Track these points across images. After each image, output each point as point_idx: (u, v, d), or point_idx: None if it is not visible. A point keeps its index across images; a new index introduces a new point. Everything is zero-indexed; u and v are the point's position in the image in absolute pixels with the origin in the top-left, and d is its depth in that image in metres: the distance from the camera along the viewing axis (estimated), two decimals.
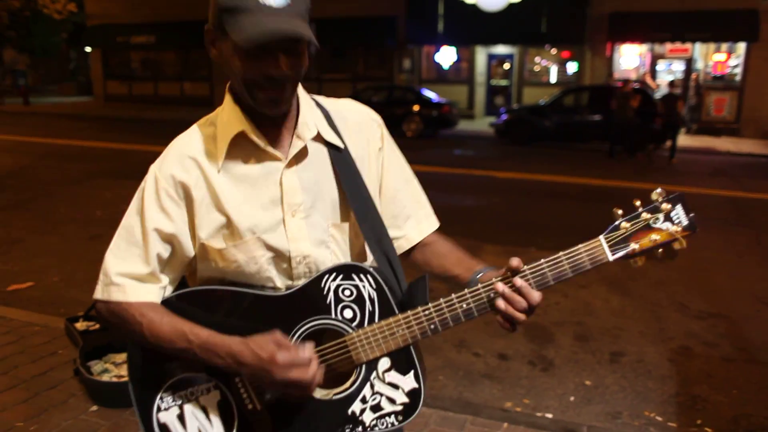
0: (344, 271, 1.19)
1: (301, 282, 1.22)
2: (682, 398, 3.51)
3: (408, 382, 1.21)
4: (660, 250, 1.17)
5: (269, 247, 1.22)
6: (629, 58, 19.17)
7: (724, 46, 17.96)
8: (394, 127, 16.14)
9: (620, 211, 1.19)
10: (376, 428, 1.22)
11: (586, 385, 3.63)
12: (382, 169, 1.34)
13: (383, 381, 1.21)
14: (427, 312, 1.18)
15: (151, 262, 1.20)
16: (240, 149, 1.21)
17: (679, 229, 1.18)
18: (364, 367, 1.20)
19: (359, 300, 1.18)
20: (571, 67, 19.87)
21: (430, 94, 17.26)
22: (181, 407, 1.25)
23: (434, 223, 1.42)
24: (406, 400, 1.21)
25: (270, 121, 1.21)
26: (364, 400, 1.21)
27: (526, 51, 20.42)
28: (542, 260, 1.16)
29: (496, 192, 9.35)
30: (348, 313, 1.19)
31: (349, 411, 1.21)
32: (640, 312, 4.70)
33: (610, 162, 12.95)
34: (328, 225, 1.26)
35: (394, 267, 1.28)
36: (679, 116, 13.29)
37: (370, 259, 1.32)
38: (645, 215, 1.17)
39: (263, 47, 1.09)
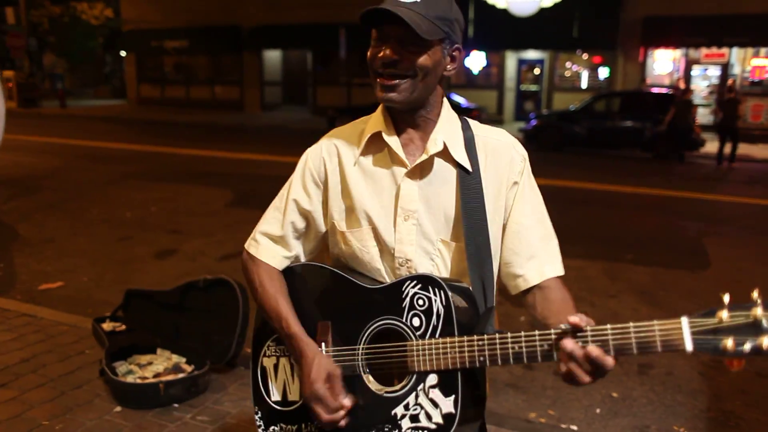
0: (423, 281, 1.24)
1: (403, 275, 1.31)
2: (713, 414, 3.40)
3: (447, 404, 1.22)
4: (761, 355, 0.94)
5: (379, 241, 1.34)
6: (663, 63, 18.83)
7: (763, 50, 17.51)
8: None
9: (727, 298, 0.98)
10: None
11: (613, 397, 3.54)
12: (513, 203, 1.37)
13: (427, 395, 1.24)
14: (480, 342, 1.18)
15: (285, 227, 1.41)
16: (376, 147, 1.36)
17: None
18: (415, 375, 1.25)
19: (428, 312, 1.23)
20: (603, 73, 19.59)
21: (459, 99, 17.19)
22: (278, 359, 1.44)
23: (558, 270, 1.38)
24: (440, 421, 1.22)
25: (407, 126, 1.33)
26: (406, 407, 1.25)
27: (556, 56, 20.21)
28: (608, 325, 1.06)
29: None
30: (416, 321, 1.24)
31: (392, 412, 1.26)
32: None
33: (643, 169, 12.70)
34: (437, 239, 1.34)
35: (486, 294, 1.31)
36: (738, 121, 13.23)
37: (467, 282, 1.33)
38: (757, 311, 0.94)
39: (382, 34, 1.25)
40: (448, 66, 1.31)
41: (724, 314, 0.95)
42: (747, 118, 17.32)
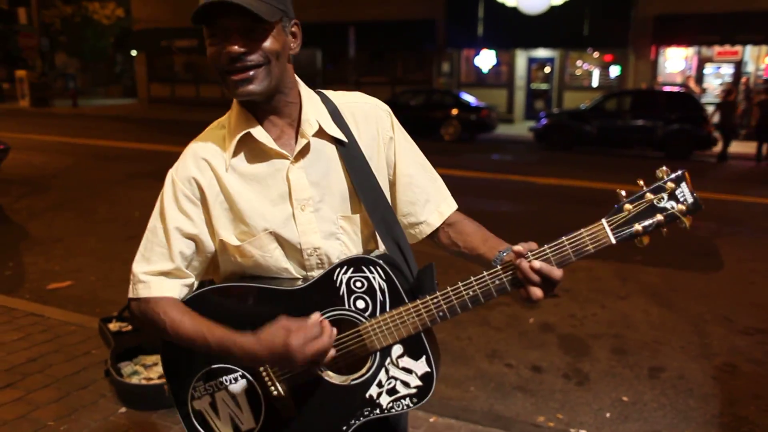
0: (354, 264, 1.24)
1: (315, 273, 1.30)
2: (726, 419, 3.34)
3: (420, 366, 1.26)
4: (664, 229, 1.17)
5: (281, 241, 1.29)
6: (675, 61, 18.67)
7: None
8: (431, 130, 16.10)
9: (623, 192, 1.18)
10: (393, 410, 1.28)
11: (623, 401, 3.49)
12: (395, 157, 1.38)
13: (397, 366, 1.27)
14: (435, 300, 1.22)
15: (175, 259, 1.28)
16: (248, 149, 1.28)
17: (684, 207, 1.16)
18: (378, 354, 1.26)
19: (370, 291, 1.23)
20: (614, 71, 19.44)
21: (468, 97, 17.10)
22: (212, 396, 1.35)
23: (453, 205, 1.44)
24: (419, 383, 1.27)
25: (271, 118, 1.28)
26: (380, 385, 1.27)
27: (567, 54, 20.08)
28: (545, 246, 1.18)
29: (533, 198, 9.18)
30: (360, 304, 1.24)
31: (367, 395, 1.28)
32: (682, 325, 4.52)
33: (654, 168, 12.55)
34: (337, 217, 1.31)
35: (405, 254, 1.34)
36: (734, 123, 13.74)
37: (381, 248, 1.36)
38: (649, 195, 1.16)
39: (219, 29, 1.17)
40: (292, 44, 1.26)
41: (629, 206, 1.17)
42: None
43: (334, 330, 1.22)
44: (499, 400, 3.47)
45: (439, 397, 3.44)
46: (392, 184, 1.40)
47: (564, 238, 1.17)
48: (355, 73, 21.13)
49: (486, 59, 20.94)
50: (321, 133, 1.30)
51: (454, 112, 16.14)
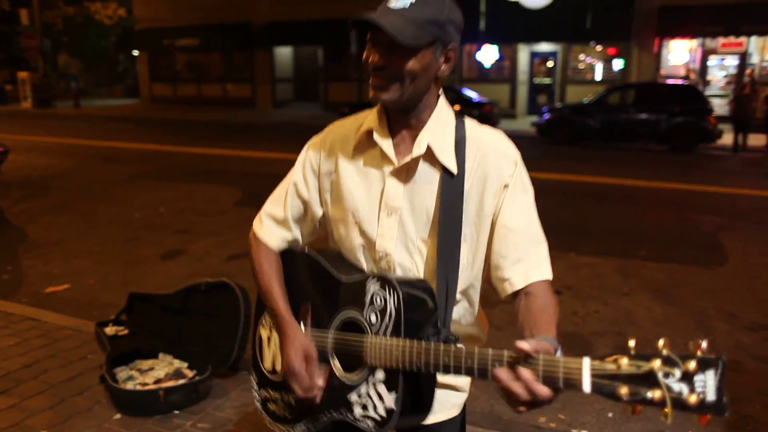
0: (382, 280, 1.30)
1: (370, 273, 1.38)
2: (731, 417, 3.28)
3: (389, 400, 1.29)
4: (666, 410, 0.94)
5: (362, 233, 1.40)
6: (678, 54, 18.52)
7: None
8: None
9: (632, 343, 0.96)
10: (360, 423, 1.34)
11: None
12: (502, 206, 1.36)
13: (375, 388, 1.31)
14: (418, 349, 1.23)
15: (287, 212, 1.50)
16: (370, 143, 1.40)
17: (695, 401, 0.91)
18: (368, 368, 1.32)
19: (383, 311, 1.29)
20: (617, 64, 19.31)
21: (471, 93, 17.02)
22: (271, 331, 1.54)
23: (544, 274, 1.35)
24: (383, 414, 1.30)
25: (400, 125, 1.37)
26: (359, 395, 1.34)
27: (570, 48, 19.95)
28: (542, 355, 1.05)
29: (536, 193, 9.05)
30: (373, 318, 1.30)
31: (348, 397, 1.35)
32: (686, 322, 4.46)
33: (658, 162, 12.49)
34: (417, 237, 1.37)
35: (449, 298, 1.34)
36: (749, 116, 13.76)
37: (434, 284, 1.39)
38: (655, 362, 0.93)
39: (372, 38, 1.28)
40: (442, 67, 1.32)
41: (624, 361, 0.95)
42: (766, 108, 16.93)
43: (320, 394, 1.38)
44: (499, 400, 3.42)
45: None
46: (491, 233, 1.37)
47: (542, 356, 1.03)
48: (356, 70, 21.05)
49: (488, 54, 20.82)
50: (431, 157, 1.35)
51: (457, 108, 15.62)
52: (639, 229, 7.12)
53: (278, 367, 1.51)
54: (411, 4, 1.24)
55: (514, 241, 1.35)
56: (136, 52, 27.64)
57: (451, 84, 19.66)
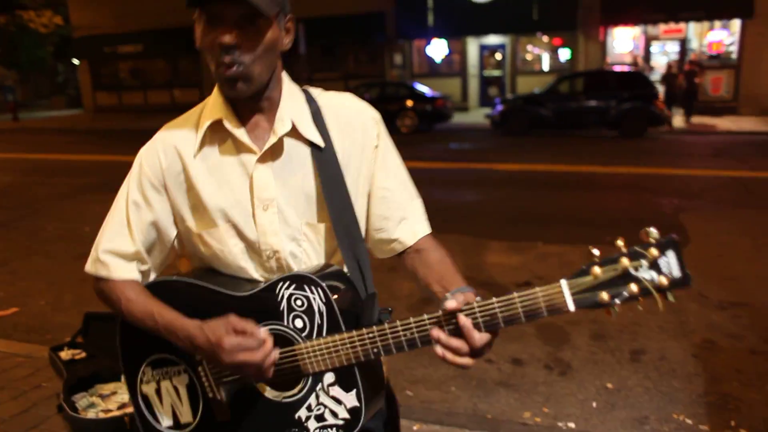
0: (297, 281, 1.17)
1: (274, 277, 1.22)
2: (712, 397, 3.28)
3: (350, 399, 1.21)
4: (638, 303, 1.00)
5: (241, 237, 1.25)
6: (623, 41, 18.95)
7: (718, 24, 17.71)
8: (387, 123, 15.28)
9: (596, 251, 1.01)
10: None
11: (607, 388, 3.40)
12: (375, 168, 1.31)
13: (327, 394, 1.21)
14: (371, 335, 1.13)
15: (136, 243, 1.27)
16: (218, 137, 1.23)
17: (666, 282, 0.97)
18: (310, 377, 1.21)
19: (309, 312, 1.17)
20: (564, 54, 19.63)
21: (423, 88, 17.00)
22: (158, 383, 1.34)
23: (427, 228, 1.36)
24: (347, 416, 1.21)
25: (250, 110, 1.22)
26: (309, 408, 1.22)
27: (517, 40, 20.19)
28: (494, 299, 1.05)
29: (496, 185, 9.12)
30: (299, 323, 1.18)
31: (296, 416, 1.23)
32: (657, 305, 4.47)
33: (611, 147, 12.72)
34: (301, 223, 1.25)
35: (364, 273, 1.27)
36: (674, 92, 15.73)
37: (340, 263, 1.31)
38: (624, 261, 0.98)
39: (213, 15, 1.11)
40: (285, 40, 1.22)
41: (597, 270, 0.99)
42: (707, 92, 17.51)
43: (276, 352, 1.15)
44: (482, 398, 3.33)
45: (421, 401, 3.29)
46: (369, 196, 1.31)
47: (516, 295, 1.03)
48: (306, 70, 20.77)
49: (437, 49, 20.88)
50: (295, 134, 1.23)
51: (410, 103, 16.01)
52: (602, 214, 7.18)
53: (184, 419, 1.32)
54: None
55: (395, 201, 1.31)
56: (76, 61, 26.67)
57: (402, 79, 19.63)
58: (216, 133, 1.23)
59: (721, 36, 17.66)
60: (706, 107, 17.09)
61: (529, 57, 20.60)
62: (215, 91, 1.26)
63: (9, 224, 7.59)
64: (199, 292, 1.25)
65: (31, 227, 7.39)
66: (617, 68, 16.81)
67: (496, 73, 20.89)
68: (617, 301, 0.99)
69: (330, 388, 1.21)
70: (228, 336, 1.12)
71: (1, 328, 4.33)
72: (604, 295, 0.99)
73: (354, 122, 1.29)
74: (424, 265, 1.28)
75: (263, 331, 1.15)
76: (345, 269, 1.27)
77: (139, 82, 25.25)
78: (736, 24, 17.21)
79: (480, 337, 1.05)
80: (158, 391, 1.34)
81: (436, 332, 1.07)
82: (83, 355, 3.47)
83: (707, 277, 4.97)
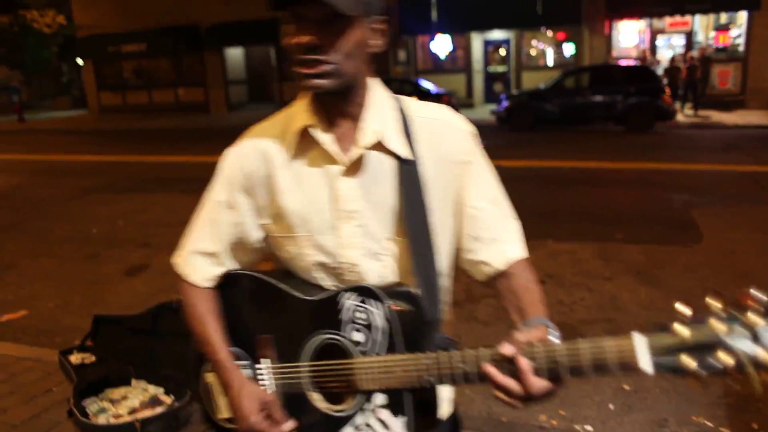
0: (362, 293, 1.14)
1: (343, 287, 1.21)
2: (731, 399, 3.22)
3: (397, 425, 1.15)
4: (729, 376, 0.85)
5: (319, 248, 1.22)
6: (628, 35, 18.82)
7: (724, 16, 17.57)
8: None
9: (687, 310, 0.88)
10: None
11: (624, 389, 3.35)
12: (466, 185, 1.24)
13: (375, 415, 1.16)
14: (427, 362, 1.08)
15: (218, 243, 1.28)
16: (305, 144, 1.21)
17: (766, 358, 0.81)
18: (362, 394, 1.16)
19: (369, 327, 1.14)
20: (569, 49, 19.51)
21: (427, 84, 16.95)
22: None
23: (521, 252, 1.28)
24: None
25: (337, 116, 1.19)
26: (355, 427, 1.18)
27: (522, 35, 20.08)
28: (558, 343, 0.98)
29: (503, 181, 8.96)
30: (358, 336, 1.15)
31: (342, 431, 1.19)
32: (672, 303, 4.32)
33: (618, 142, 12.63)
34: (383, 237, 1.22)
35: (435, 296, 1.20)
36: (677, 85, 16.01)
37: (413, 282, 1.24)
38: (716, 324, 0.84)
39: (297, 16, 1.10)
40: (375, 41, 1.17)
41: (681, 329, 0.86)
42: (715, 85, 17.38)
43: None
44: (496, 401, 3.28)
45: None
46: (458, 214, 1.25)
47: (580, 341, 0.94)
48: None
49: (441, 44, 20.79)
50: (381, 145, 1.19)
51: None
52: (611, 211, 7.12)
53: None
54: None
55: (486, 220, 1.25)
56: (80, 61, 26.68)
57: (407, 76, 19.56)
58: (304, 139, 1.21)
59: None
60: (714, 101, 16.96)
61: (533, 52, 20.48)
62: (304, 95, 1.24)
63: (16, 226, 7.57)
64: (267, 290, 1.26)
65: (38, 229, 7.37)
66: (623, 62, 16.70)
67: (500, 68, 20.78)
68: (703, 372, 0.85)
69: (379, 410, 1.16)
70: (257, 415, 1.20)
71: (11, 332, 4.31)
72: (689, 361, 0.85)
73: (445, 136, 1.23)
74: (510, 290, 1.24)
75: (290, 426, 1.20)
76: (416, 290, 1.21)
77: (143, 81, 25.23)
78: (742, 16, 17.05)
79: (538, 385, 0.99)
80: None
81: (489, 368, 1.02)
82: (93, 358, 3.44)
83: (720, 273, 4.91)
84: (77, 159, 13.41)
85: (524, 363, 0.98)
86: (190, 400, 2.97)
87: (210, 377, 1.34)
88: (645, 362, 0.88)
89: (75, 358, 3.43)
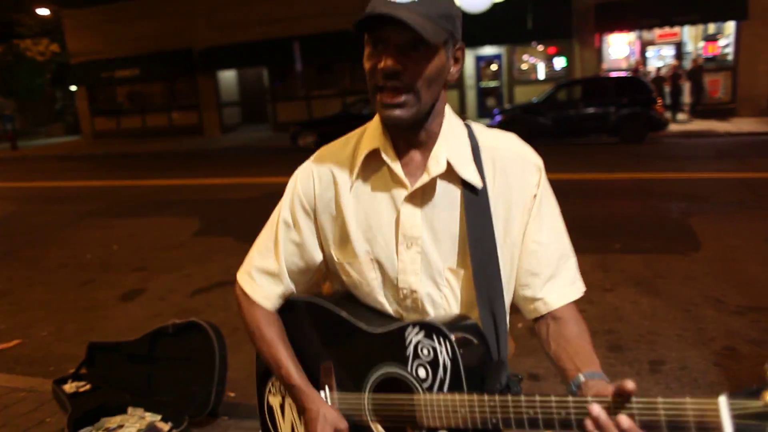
0: (427, 329, 1.12)
1: (410, 316, 1.22)
2: None
3: None
4: None
5: (381, 271, 1.23)
6: (618, 47, 18.97)
7: (712, 27, 17.74)
8: None
9: None
10: None
11: None
12: (529, 219, 1.22)
13: None
14: (492, 403, 1.03)
15: (280, 262, 1.29)
16: (373, 167, 1.21)
17: None
18: (425, 431, 1.14)
19: (434, 363, 1.11)
20: (559, 62, 19.64)
21: None
22: (283, 398, 1.36)
23: (578, 292, 1.26)
24: None
25: (406, 142, 1.18)
26: None
27: (513, 50, 20.21)
28: (633, 399, 0.92)
29: None
30: (422, 372, 1.12)
31: None
32: (674, 312, 4.37)
33: (613, 153, 12.66)
34: (444, 267, 1.20)
35: (499, 332, 1.18)
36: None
37: (475, 315, 1.22)
38: None
39: (378, 40, 1.08)
40: (452, 69, 1.16)
41: None
42: (706, 94, 17.49)
43: None
44: None
45: None
46: (519, 248, 1.22)
47: (659, 399, 0.90)
48: (303, 88, 20.84)
49: None
50: (449, 174, 1.17)
51: None
52: (609, 222, 7.09)
53: None
54: None
55: (546, 256, 1.22)
56: (73, 88, 26.73)
57: None
58: (371, 163, 1.21)
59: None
60: (705, 110, 17.07)
61: (525, 66, 20.60)
62: (375, 118, 1.23)
63: (10, 254, 7.49)
64: (332, 319, 1.26)
65: (32, 256, 7.29)
66: (615, 74, 16.82)
67: (493, 83, 20.89)
68: None
69: None
70: None
71: (3, 362, 4.23)
72: None
73: (513, 166, 1.21)
74: (561, 336, 1.19)
75: None
76: (480, 324, 1.18)
77: (136, 106, 25.27)
78: (730, 26, 17.23)
79: None
80: (282, 406, 1.37)
81: (597, 409, 0.93)
82: (88, 387, 3.38)
83: (721, 281, 4.88)
84: (71, 185, 13.36)
85: (626, 421, 0.90)
86: (188, 425, 2.90)
87: (272, 399, 1.37)
88: (727, 425, 0.83)
89: (69, 387, 3.36)
